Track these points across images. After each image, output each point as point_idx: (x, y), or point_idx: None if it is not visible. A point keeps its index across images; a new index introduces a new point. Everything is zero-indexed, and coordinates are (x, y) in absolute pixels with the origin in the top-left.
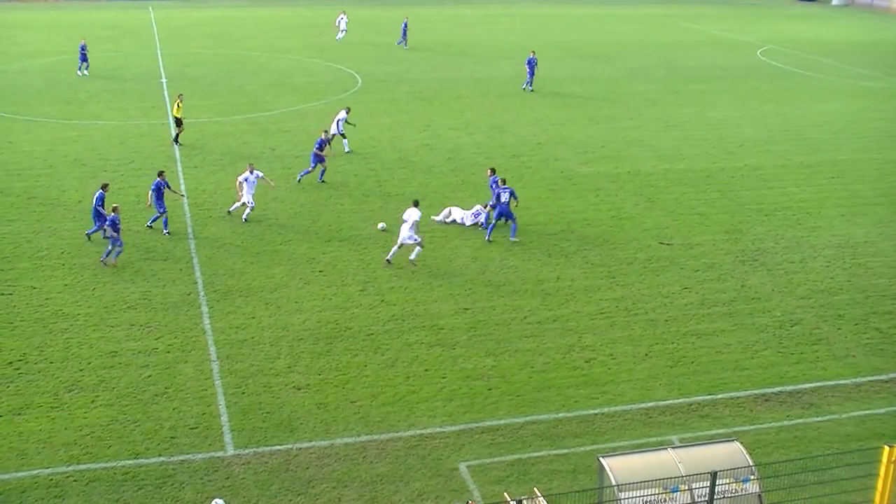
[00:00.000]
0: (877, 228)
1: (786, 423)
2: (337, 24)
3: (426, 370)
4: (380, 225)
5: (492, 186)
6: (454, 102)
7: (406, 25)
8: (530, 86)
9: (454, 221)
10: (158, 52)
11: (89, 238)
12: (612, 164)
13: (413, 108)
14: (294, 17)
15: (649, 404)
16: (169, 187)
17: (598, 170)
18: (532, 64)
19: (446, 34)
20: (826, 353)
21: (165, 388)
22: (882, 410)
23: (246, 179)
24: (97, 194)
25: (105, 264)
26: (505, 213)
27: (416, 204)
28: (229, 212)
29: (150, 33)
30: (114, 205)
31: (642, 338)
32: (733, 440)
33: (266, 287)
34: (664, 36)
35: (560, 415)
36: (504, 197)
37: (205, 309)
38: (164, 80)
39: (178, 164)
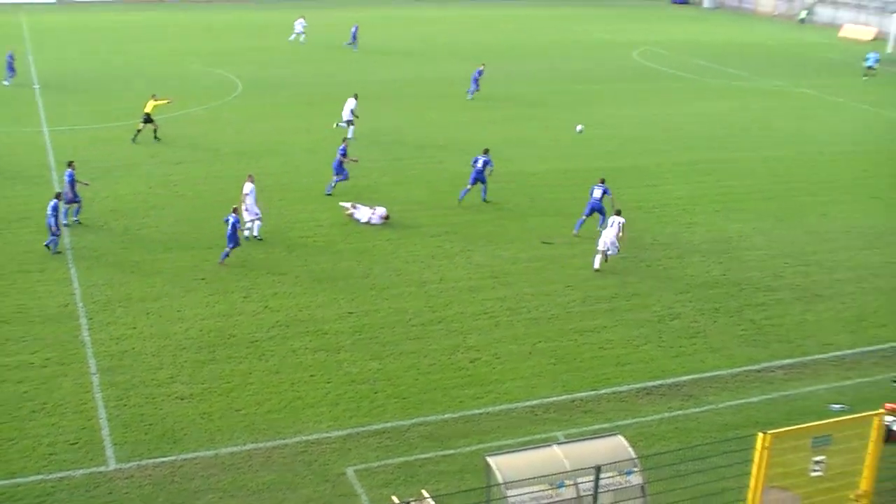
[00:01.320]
0: (750, 223)
1: (666, 414)
2: (295, 27)
3: (311, 376)
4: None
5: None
6: (339, 106)
7: (356, 30)
8: (471, 95)
9: (357, 220)
10: (30, 58)
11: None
12: (496, 165)
13: (296, 113)
14: (192, 20)
15: (534, 402)
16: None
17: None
18: (476, 76)
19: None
20: (704, 345)
21: (43, 403)
22: (756, 399)
23: (252, 191)
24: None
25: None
26: (479, 178)
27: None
28: (256, 237)
29: (20, 38)
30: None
31: (526, 336)
32: (616, 434)
33: (147, 296)
34: (544, 37)
35: (446, 415)
36: (479, 164)
37: (83, 321)
38: (36, 87)
39: (53, 171)
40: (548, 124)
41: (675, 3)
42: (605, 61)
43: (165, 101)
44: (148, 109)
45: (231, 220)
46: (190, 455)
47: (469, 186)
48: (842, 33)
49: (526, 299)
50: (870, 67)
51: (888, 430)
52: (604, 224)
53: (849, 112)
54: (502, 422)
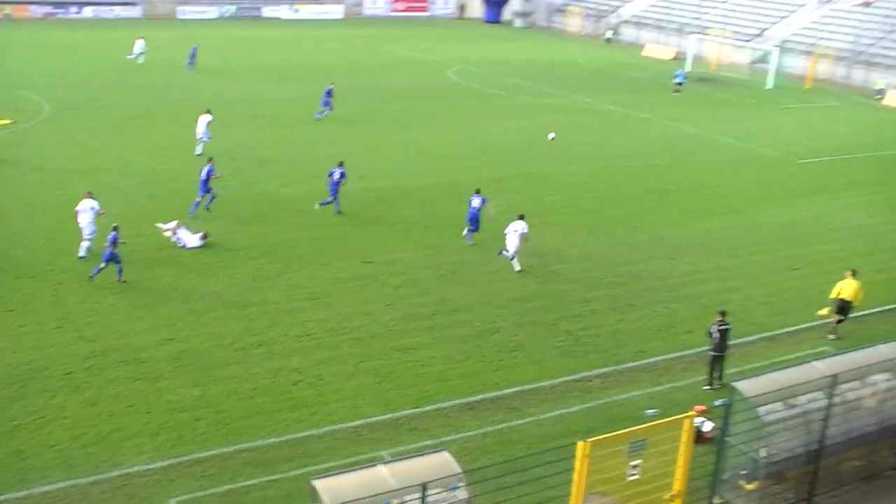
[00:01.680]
0: (564, 237)
1: (490, 428)
2: (135, 48)
3: (130, 406)
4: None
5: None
6: (148, 129)
7: (195, 51)
8: (322, 115)
9: (176, 242)
10: None
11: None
12: (313, 185)
13: (104, 136)
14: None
15: (359, 422)
16: None
17: (298, 191)
18: (327, 94)
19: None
20: (524, 358)
21: None
22: (575, 408)
23: (92, 209)
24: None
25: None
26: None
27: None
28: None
29: None
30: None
31: (348, 356)
32: (441, 450)
33: None
34: (360, 57)
35: (270, 440)
36: (335, 176)
37: None
38: None
39: None
40: (364, 143)
41: (488, 22)
42: (422, 80)
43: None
44: None
45: (110, 237)
46: None
47: (330, 199)
48: (645, 52)
49: (347, 319)
50: (679, 84)
51: (698, 431)
52: (470, 235)
53: (654, 127)
54: (328, 444)
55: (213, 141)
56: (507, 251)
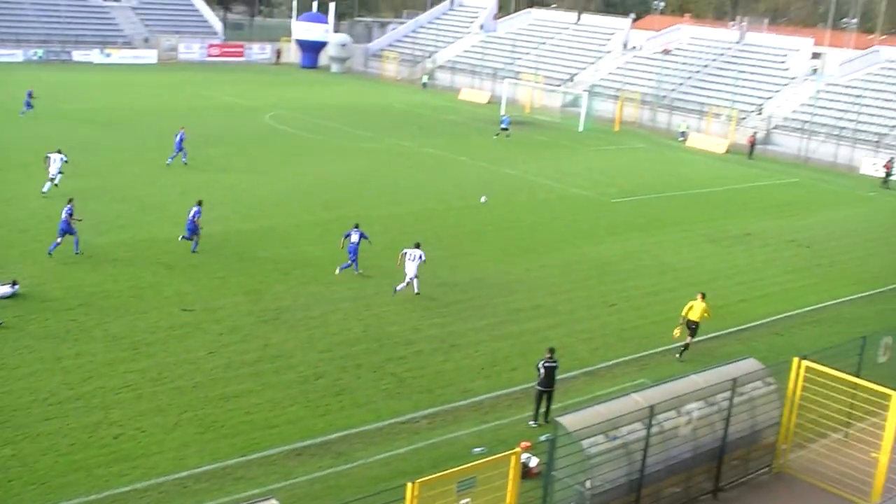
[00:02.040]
0: (386, 280)
1: (318, 474)
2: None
3: None
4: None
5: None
6: None
7: (30, 94)
8: (174, 160)
9: None
10: None
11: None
12: (129, 233)
13: None
14: None
15: (184, 473)
16: None
17: (113, 240)
18: (179, 140)
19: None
20: (350, 401)
21: None
22: (403, 450)
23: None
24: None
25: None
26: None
27: None
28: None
29: None
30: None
31: (171, 407)
32: (269, 498)
33: None
34: (177, 102)
35: (91, 497)
36: (191, 214)
37: None
38: None
39: None
40: (182, 188)
41: (305, 67)
42: (239, 125)
43: None
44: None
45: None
46: None
47: (186, 235)
48: (461, 96)
49: (168, 369)
50: (504, 128)
51: (525, 467)
52: (345, 267)
53: (472, 169)
54: (151, 498)
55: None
56: (407, 276)
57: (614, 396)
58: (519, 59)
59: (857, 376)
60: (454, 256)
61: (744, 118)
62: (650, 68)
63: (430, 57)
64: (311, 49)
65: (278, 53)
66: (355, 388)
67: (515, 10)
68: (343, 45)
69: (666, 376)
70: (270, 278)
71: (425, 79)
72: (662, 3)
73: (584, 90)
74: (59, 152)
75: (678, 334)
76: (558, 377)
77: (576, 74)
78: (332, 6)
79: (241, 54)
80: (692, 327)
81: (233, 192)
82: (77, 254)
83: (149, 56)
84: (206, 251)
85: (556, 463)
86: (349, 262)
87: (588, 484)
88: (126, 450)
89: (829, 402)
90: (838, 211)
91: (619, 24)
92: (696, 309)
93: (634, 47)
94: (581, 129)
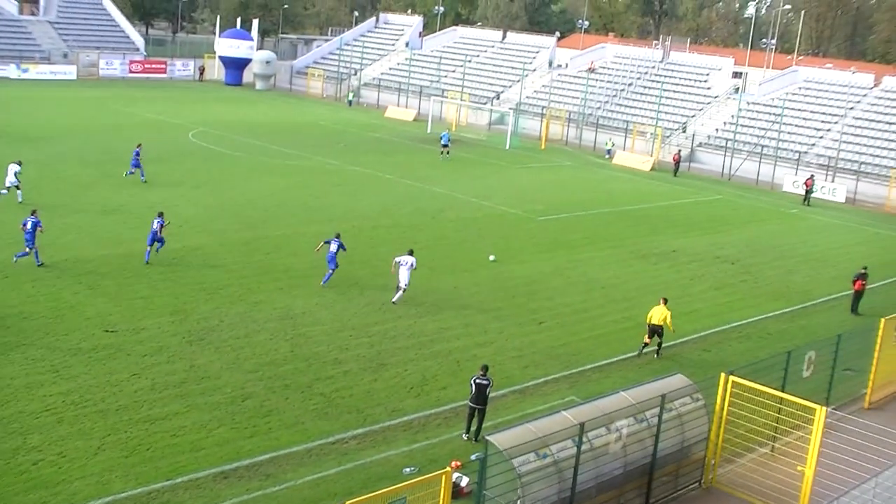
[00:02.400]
0: (313, 299)
1: (245, 496)
2: None
3: None
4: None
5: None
6: None
7: None
8: (130, 174)
9: None
10: None
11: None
12: (49, 252)
13: None
14: None
15: (108, 499)
16: None
17: (32, 258)
18: (136, 155)
19: None
20: (278, 422)
21: None
22: (333, 471)
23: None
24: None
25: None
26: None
27: None
28: None
29: None
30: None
31: (93, 431)
32: None
33: None
34: (97, 119)
35: None
36: (155, 225)
37: None
38: None
39: None
40: (105, 208)
41: (229, 84)
42: (162, 142)
43: None
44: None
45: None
46: None
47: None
48: (387, 114)
49: (91, 391)
50: (445, 146)
51: (456, 486)
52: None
53: (399, 187)
54: None
55: None
56: (401, 283)
57: (545, 414)
58: (445, 76)
59: (783, 391)
60: (382, 276)
61: (668, 136)
62: (576, 86)
63: (355, 74)
64: (236, 66)
65: (202, 70)
66: (283, 408)
67: (441, 28)
68: (268, 63)
69: (596, 393)
70: (196, 298)
71: (351, 96)
72: (587, 23)
73: (510, 108)
74: (19, 163)
75: (648, 341)
76: (490, 395)
77: (502, 92)
78: (255, 23)
79: (163, 71)
80: (657, 331)
81: (157, 210)
82: (39, 265)
83: (68, 72)
84: (129, 271)
85: (487, 482)
86: (329, 270)
87: (519, 503)
88: (46, 476)
89: (756, 416)
90: (762, 227)
91: (545, 43)
92: (656, 314)
93: (560, 65)
94: (507, 147)
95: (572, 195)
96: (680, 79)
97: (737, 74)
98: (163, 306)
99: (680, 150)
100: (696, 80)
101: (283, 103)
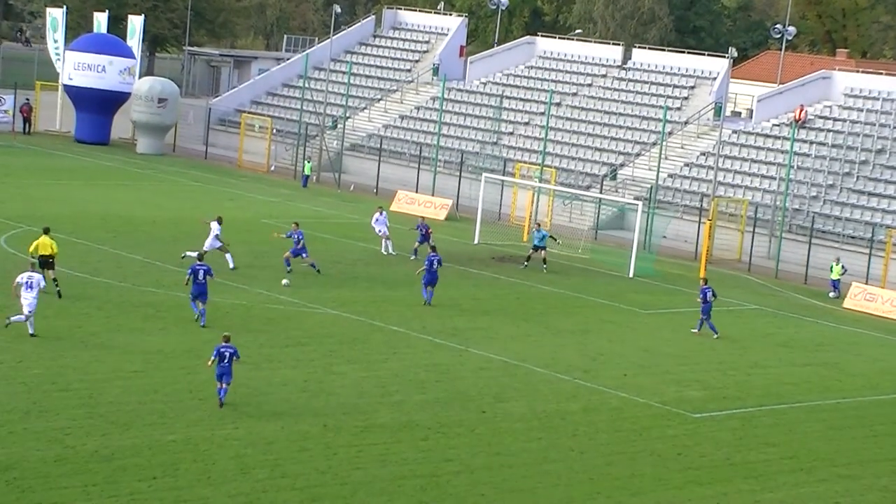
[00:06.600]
0: None
1: None
2: None
3: None
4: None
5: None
6: None
7: None
8: None
9: None
10: None
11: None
12: None
13: None
14: None
15: None
16: None
17: None
18: None
19: None
20: None
21: None
22: None
23: None
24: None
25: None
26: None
27: None
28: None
29: None
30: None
31: None
32: None
33: None
34: None
35: None
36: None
37: None
38: None
39: None
40: None
41: (82, 141)
42: None
43: None
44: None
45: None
46: None
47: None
48: (396, 205)
49: None
50: (538, 248)
51: None
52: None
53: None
54: None
55: None
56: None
57: None
58: (509, 133)
59: None
60: None
61: None
62: (769, 154)
63: (334, 127)
64: (97, 106)
65: (29, 113)
66: None
67: (503, 40)
68: (160, 101)
69: None
70: None
71: (309, 169)
72: (793, 29)
73: (638, 197)
74: None
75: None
76: None
77: (620, 166)
78: (138, 23)
79: None
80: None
81: None
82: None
83: None
84: None
85: None
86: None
87: None
88: None
89: None
90: None
91: (706, 68)
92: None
93: (738, 113)
94: (631, 273)
95: (761, 371)
96: None
97: None
98: None
99: None
100: None
101: (185, 185)
